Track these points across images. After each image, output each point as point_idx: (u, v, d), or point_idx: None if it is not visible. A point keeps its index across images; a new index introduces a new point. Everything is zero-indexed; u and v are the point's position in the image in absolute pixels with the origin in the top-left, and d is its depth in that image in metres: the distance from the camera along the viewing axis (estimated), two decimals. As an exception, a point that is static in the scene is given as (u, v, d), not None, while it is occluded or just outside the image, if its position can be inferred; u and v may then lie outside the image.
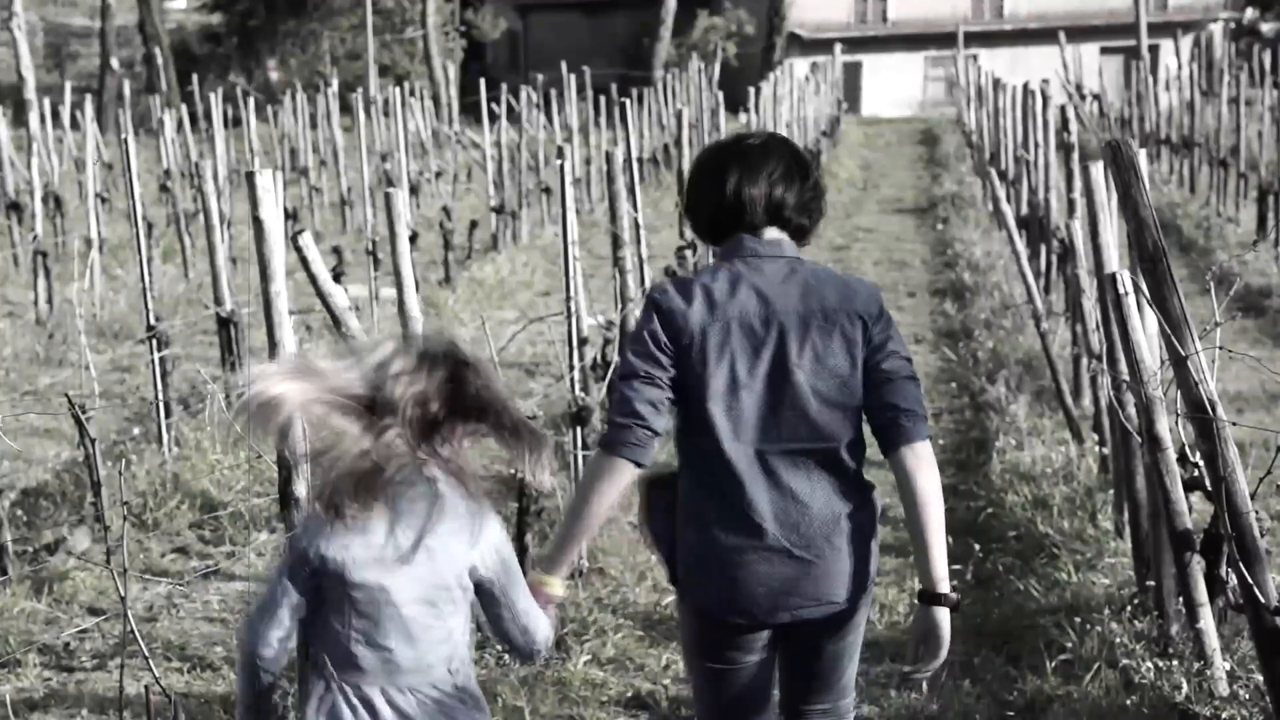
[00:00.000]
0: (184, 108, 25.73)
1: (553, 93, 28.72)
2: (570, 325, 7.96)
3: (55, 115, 25.55)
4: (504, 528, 3.26)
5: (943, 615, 3.47)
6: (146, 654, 4.66)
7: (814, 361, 3.37)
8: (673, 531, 3.59)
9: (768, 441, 3.41)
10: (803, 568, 3.45)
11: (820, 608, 3.50)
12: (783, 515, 3.43)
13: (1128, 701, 5.65)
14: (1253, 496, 4.67)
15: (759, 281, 3.38)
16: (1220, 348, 4.97)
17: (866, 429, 3.60)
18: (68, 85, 26.69)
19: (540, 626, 3.31)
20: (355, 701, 3.16)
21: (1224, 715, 5.36)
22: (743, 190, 3.43)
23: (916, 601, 3.58)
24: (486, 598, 3.23)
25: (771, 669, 3.67)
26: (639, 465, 3.41)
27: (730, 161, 3.47)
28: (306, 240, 5.09)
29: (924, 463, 3.49)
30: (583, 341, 8.14)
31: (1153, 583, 6.20)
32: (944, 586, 3.49)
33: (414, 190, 21.66)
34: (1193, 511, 5.70)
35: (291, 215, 19.78)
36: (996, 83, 22.80)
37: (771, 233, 3.47)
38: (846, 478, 3.52)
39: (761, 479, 3.41)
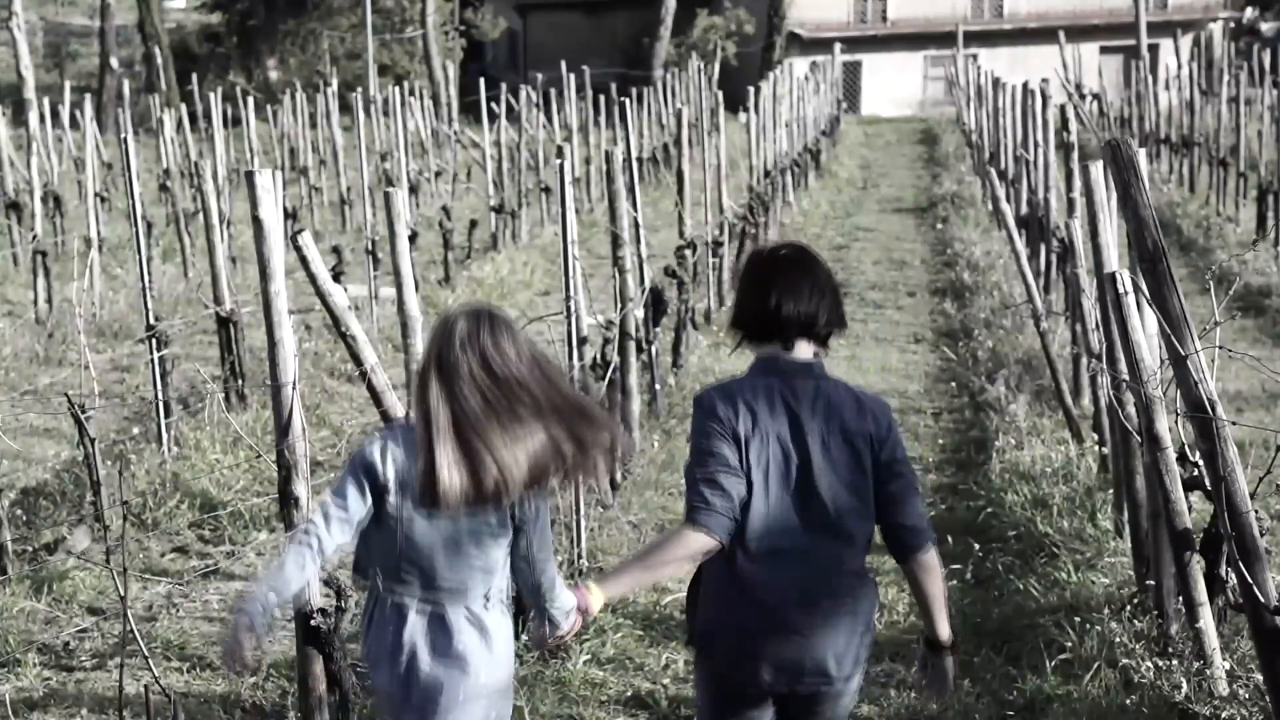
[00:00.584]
0: (183, 107, 25.73)
1: (552, 92, 28.72)
2: (570, 325, 7.96)
3: (55, 115, 25.55)
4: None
5: (948, 660, 4.10)
6: (146, 653, 4.67)
7: (832, 474, 3.87)
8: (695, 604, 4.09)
9: (789, 539, 3.87)
10: (804, 647, 3.92)
11: (816, 683, 3.96)
12: (794, 602, 3.89)
13: (1127, 701, 5.65)
14: (1252, 496, 4.67)
15: (791, 402, 3.88)
16: (1220, 347, 4.97)
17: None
18: (67, 85, 26.69)
19: (558, 590, 3.83)
20: (390, 609, 3.71)
21: (1224, 715, 5.36)
22: (783, 308, 3.88)
23: (924, 647, 4.16)
24: (517, 543, 3.72)
25: None
26: (722, 545, 3.84)
27: (770, 279, 3.91)
28: (306, 240, 5.09)
29: (930, 568, 4.03)
30: (582, 341, 8.14)
31: (1152, 582, 6.20)
32: (945, 633, 4.09)
33: (413, 190, 21.66)
34: (1192, 511, 5.71)
35: (291, 215, 19.78)
36: (996, 82, 22.81)
37: (803, 348, 3.94)
38: (853, 573, 3.99)
39: (779, 570, 3.87)
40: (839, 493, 3.87)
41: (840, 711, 4.06)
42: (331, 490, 3.69)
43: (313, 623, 4.91)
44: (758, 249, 4.11)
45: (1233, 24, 49.15)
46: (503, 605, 3.85)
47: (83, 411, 7.79)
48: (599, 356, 8.45)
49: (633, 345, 9.24)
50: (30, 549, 7.98)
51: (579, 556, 7.37)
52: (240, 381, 10.46)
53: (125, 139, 11.07)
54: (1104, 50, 47.03)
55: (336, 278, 11.85)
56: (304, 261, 5.09)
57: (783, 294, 3.88)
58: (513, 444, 3.60)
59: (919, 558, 3.97)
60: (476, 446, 3.58)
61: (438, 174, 25.97)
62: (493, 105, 22.59)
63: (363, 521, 3.72)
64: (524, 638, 5.80)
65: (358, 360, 5.40)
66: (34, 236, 15.60)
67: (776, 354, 3.93)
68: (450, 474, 3.56)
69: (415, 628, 3.74)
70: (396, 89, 23.62)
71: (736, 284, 4.12)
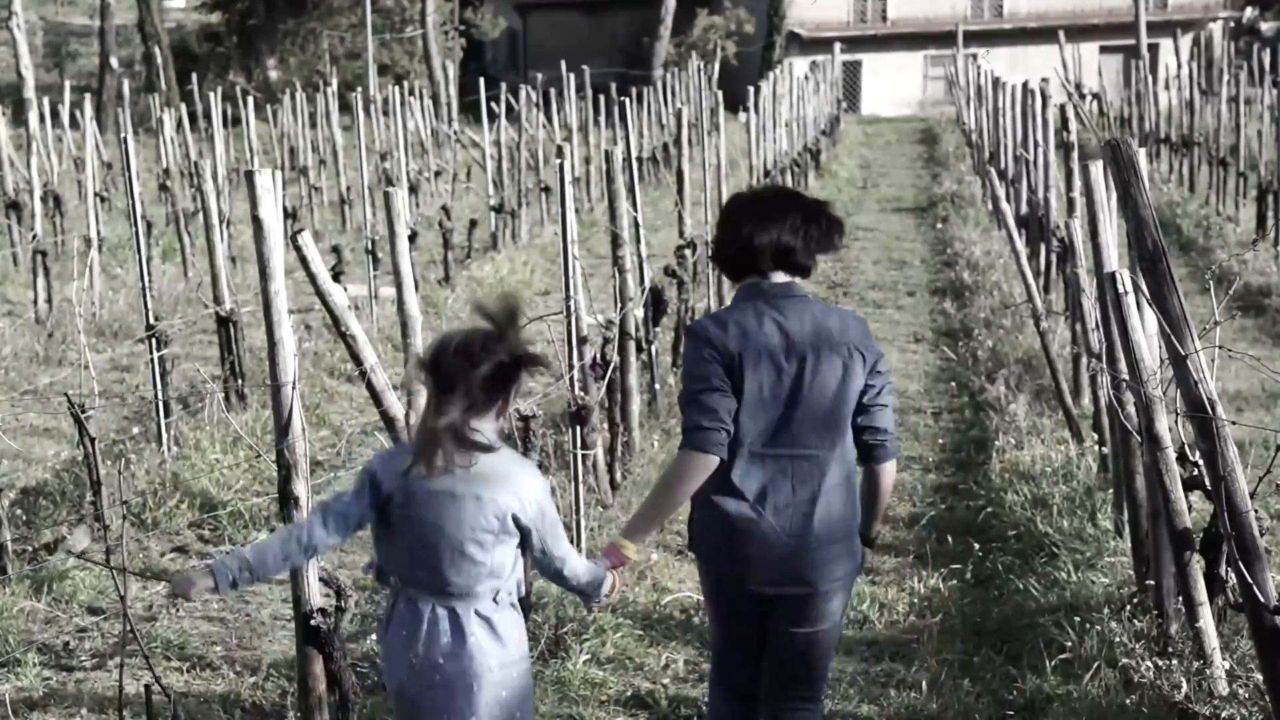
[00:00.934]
0: (183, 107, 25.74)
1: (552, 92, 28.72)
2: (570, 324, 7.96)
3: (55, 114, 25.55)
4: (547, 484, 3.93)
5: (865, 551, 4.49)
6: (146, 653, 4.67)
7: (820, 381, 4.13)
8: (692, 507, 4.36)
9: (780, 446, 4.15)
10: (788, 550, 4.19)
11: (801, 589, 4.25)
12: (782, 507, 4.17)
13: (1127, 701, 5.65)
14: (1252, 496, 4.67)
15: (778, 318, 4.14)
16: (1220, 347, 4.98)
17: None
18: (67, 84, 26.69)
19: (580, 572, 4.04)
20: (404, 608, 3.89)
21: (1223, 714, 5.36)
22: (754, 239, 4.16)
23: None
24: (528, 542, 3.90)
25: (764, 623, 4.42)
26: (721, 459, 4.11)
27: (745, 215, 4.20)
28: (306, 239, 5.09)
29: (888, 475, 4.38)
30: (582, 341, 8.14)
31: (1152, 582, 6.20)
32: (874, 534, 4.50)
33: (413, 189, 21.66)
34: (1192, 510, 5.71)
35: (291, 214, 19.78)
36: (996, 82, 22.80)
37: (779, 276, 4.21)
38: (837, 478, 4.24)
39: (769, 474, 4.15)
40: (826, 399, 4.15)
41: (825, 621, 4.32)
42: (339, 490, 3.93)
43: (313, 623, 4.91)
44: (738, 192, 4.48)
45: (1232, 24, 49.16)
46: (513, 603, 3.97)
47: (83, 411, 7.79)
48: (599, 356, 8.45)
49: (633, 345, 9.24)
50: (30, 549, 7.98)
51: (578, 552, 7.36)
52: (240, 381, 10.47)
53: (125, 139, 11.07)
54: (1104, 50, 47.04)
55: (336, 277, 11.86)
56: (304, 261, 5.09)
57: (755, 228, 4.16)
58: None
59: (884, 465, 4.31)
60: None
61: (437, 174, 25.98)
62: (493, 105, 22.59)
63: (360, 523, 3.92)
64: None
65: (358, 360, 5.41)
66: (34, 236, 15.61)
67: (757, 281, 4.21)
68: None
69: (429, 627, 3.89)
70: (396, 89, 23.63)
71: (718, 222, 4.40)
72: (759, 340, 4.10)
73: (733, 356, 4.09)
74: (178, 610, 7.36)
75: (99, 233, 15.52)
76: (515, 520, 3.86)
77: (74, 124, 26.30)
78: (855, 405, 4.19)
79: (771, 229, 4.15)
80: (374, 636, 6.82)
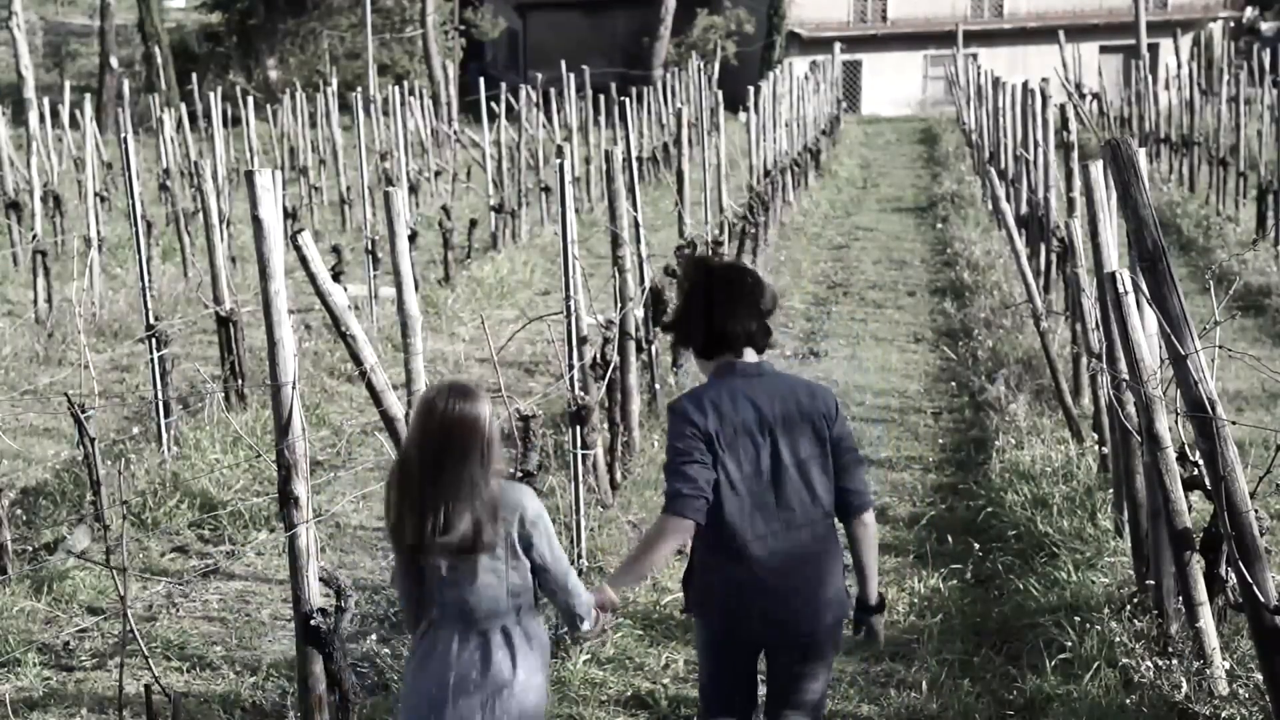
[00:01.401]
0: (183, 107, 25.73)
1: (552, 92, 28.72)
2: (570, 324, 7.96)
3: (54, 114, 25.54)
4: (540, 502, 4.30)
5: (878, 620, 4.74)
6: (146, 653, 4.66)
7: (795, 452, 4.49)
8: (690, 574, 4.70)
9: (767, 513, 4.48)
10: (785, 606, 4.51)
11: (798, 637, 4.57)
12: (773, 564, 4.48)
13: (1127, 700, 5.65)
14: (1252, 495, 4.67)
15: (752, 395, 4.49)
16: (1220, 347, 4.98)
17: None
18: (67, 84, 26.69)
19: (580, 588, 4.36)
20: (438, 637, 4.25)
21: (1223, 714, 5.36)
22: (727, 328, 4.54)
23: (857, 611, 4.72)
24: (532, 555, 4.23)
25: (756, 676, 4.76)
26: (698, 525, 4.46)
27: (713, 304, 4.55)
28: (305, 239, 5.09)
29: (868, 527, 4.62)
30: (582, 340, 8.14)
31: (1152, 582, 6.20)
32: (874, 599, 4.69)
33: (413, 189, 21.65)
34: (1192, 510, 5.71)
35: (291, 214, 19.78)
36: (996, 81, 22.80)
37: (750, 354, 4.59)
38: (821, 537, 4.55)
39: (761, 538, 4.48)
40: (804, 465, 4.50)
41: (820, 664, 4.64)
42: (394, 569, 4.42)
43: (313, 623, 4.91)
44: (695, 263, 4.81)
45: (1232, 23, 49.15)
46: (534, 616, 4.35)
47: (83, 411, 7.79)
48: (599, 356, 8.46)
49: (632, 345, 9.25)
50: (30, 549, 7.98)
51: (579, 556, 7.37)
52: (240, 381, 10.47)
53: (125, 139, 11.07)
54: (1104, 50, 47.03)
55: (336, 277, 11.86)
56: (304, 261, 5.09)
57: (726, 317, 4.55)
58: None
59: (862, 518, 4.58)
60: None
61: (437, 174, 25.97)
62: (492, 105, 22.59)
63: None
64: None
65: (357, 360, 5.41)
66: (34, 236, 15.60)
67: (731, 361, 4.58)
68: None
69: (463, 653, 4.24)
70: (396, 89, 23.61)
71: (678, 299, 4.75)
72: (734, 419, 4.47)
73: (711, 435, 4.44)
74: (177, 610, 7.36)
75: (99, 233, 15.52)
76: (521, 535, 4.23)
77: (74, 124, 26.29)
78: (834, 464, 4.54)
79: (741, 318, 4.55)
80: (373, 637, 6.83)
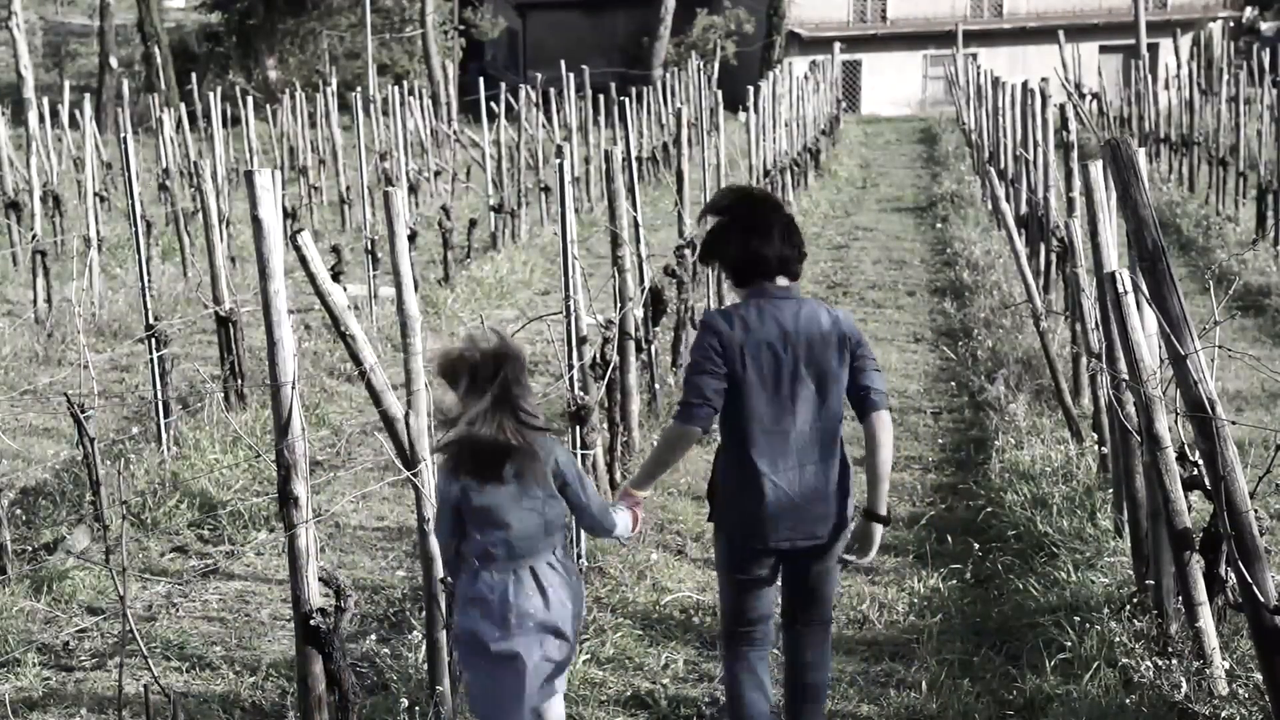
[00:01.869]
0: (183, 107, 25.71)
1: (552, 91, 28.71)
2: (569, 324, 7.96)
3: (54, 114, 25.54)
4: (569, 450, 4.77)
5: (877, 528, 5.02)
6: (145, 653, 4.66)
7: (815, 368, 4.86)
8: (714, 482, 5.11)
9: (782, 424, 4.86)
10: (798, 512, 4.92)
11: (809, 541, 4.98)
12: (788, 474, 4.89)
13: (1127, 700, 5.65)
14: (1252, 495, 4.68)
15: (778, 315, 4.89)
16: (1219, 347, 4.98)
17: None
18: (66, 84, 26.69)
19: (615, 518, 4.82)
20: (484, 575, 4.60)
21: (1223, 714, 5.36)
22: (760, 250, 4.88)
23: (862, 517, 5.03)
24: (568, 494, 4.65)
25: (774, 585, 5.15)
26: (705, 432, 4.91)
27: (746, 227, 4.89)
28: (305, 239, 5.09)
29: (884, 424, 4.93)
30: (582, 340, 8.14)
31: (1152, 582, 6.20)
32: (883, 510, 4.98)
33: (413, 189, 21.65)
34: (1192, 510, 5.70)
35: (290, 214, 19.77)
36: (996, 81, 22.80)
37: (782, 280, 4.95)
38: (833, 451, 4.96)
39: (777, 449, 4.88)
40: (821, 380, 4.88)
41: (830, 561, 5.08)
42: (436, 514, 4.73)
43: (312, 623, 4.91)
44: (731, 190, 5.11)
45: (1232, 23, 49.14)
46: (567, 553, 4.74)
47: (82, 411, 7.80)
48: (598, 356, 8.45)
49: (632, 345, 9.24)
50: (30, 549, 7.97)
51: (579, 556, 7.37)
52: (240, 381, 10.47)
53: (125, 138, 11.06)
54: (1103, 49, 47.03)
55: (336, 277, 11.85)
56: (303, 261, 5.09)
57: (760, 241, 4.88)
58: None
59: (879, 413, 4.91)
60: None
61: (437, 173, 25.97)
62: (492, 105, 22.58)
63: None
64: None
65: (357, 360, 5.40)
66: (33, 236, 15.60)
67: (764, 285, 4.95)
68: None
69: (510, 586, 4.60)
70: (396, 88, 23.61)
71: (713, 225, 5.04)
72: (760, 334, 4.85)
73: (736, 347, 4.83)
74: (177, 610, 7.36)
75: (98, 233, 15.51)
76: (556, 474, 4.62)
77: (74, 124, 26.29)
78: (848, 376, 4.91)
79: (774, 242, 4.89)
80: (373, 637, 6.83)
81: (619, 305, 9.14)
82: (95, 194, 15.76)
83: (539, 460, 4.56)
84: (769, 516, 4.93)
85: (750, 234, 4.91)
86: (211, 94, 22.30)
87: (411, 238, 13.82)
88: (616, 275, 9.24)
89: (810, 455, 4.90)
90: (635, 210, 9.87)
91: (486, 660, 4.66)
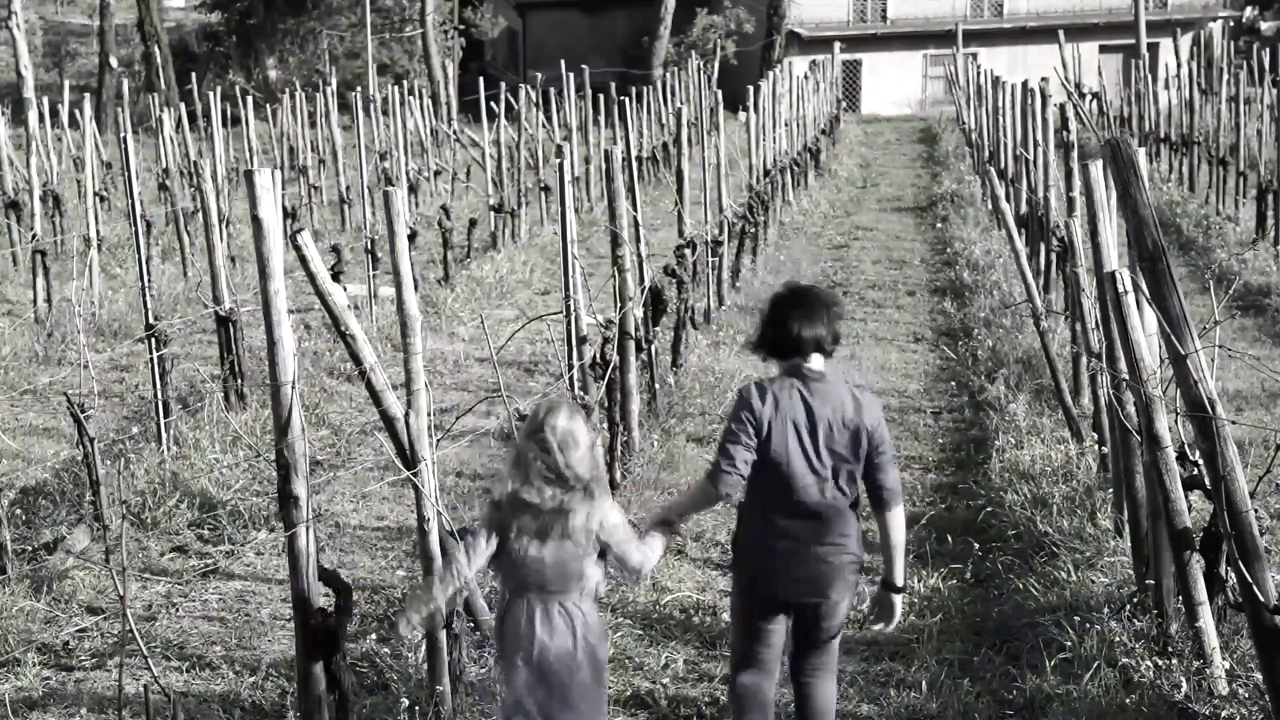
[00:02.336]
0: (183, 106, 25.71)
1: (552, 91, 28.71)
2: (569, 324, 7.96)
3: (54, 114, 25.54)
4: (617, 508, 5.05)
5: (896, 598, 5.43)
6: (145, 653, 4.66)
7: (833, 451, 5.25)
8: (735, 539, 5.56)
9: (800, 495, 5.25)
10: (812, 571, 5.30)
11: (818, 599, 5.35)
12: (805, 538, 5.28)
13: (1127, 700, 5.65)
14: (1252, 495, 4.68)
15: (807, 397, 5.27)
16: (1220, 346, 4.98)
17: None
18: (66, 84, 26.69)
19: (639, 564, 5.11)
20: (520, 603, 4.96)
21: (1223, 714, 5.36)
22: (802, 333, 5.29)
23: (881, 588, 5.45)
24: (609, 555, 5.01)
25: (783, 634, 5.50)
26: (729, 497, 5.32)
27: (793, 311, 5.33)
28: (305, 239, 5.09)
29: (897, 521, 5.35)
30: (582, 340, 8.14)
31: (1152, 581, 6.20)
32: (899, 581, 5.42)
33: (413, 189, 21.65)
34: (1192, 510, 5.70)
35: (290, 214, 19.77)
36: (996, 81, 22.79)
37: (816, 360, 5.33)
38: (846, 524, 5.32)
39: (795, 517, 5.27)
40: (837, 464, 5.25)
41: (836, 621, 5.42)
42: (471, 533, 5.01)
43: (312, 623, 4.91)
44: (778, 292, 5.56)
45: (1232, 23, 49.14)
46: (593, 598, 5.06)
47: (82, 411, 7.79)
48: (598, 356, 8.45)
49: (632, 344, 9.24)
50: (30, 548, 7.97)
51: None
52: (240, 381, 10.47)
53: (124, 138, 11.07)
54: (1103, 49, 47.02)
55: (336, 277, 11.85)
56: (303, 261, 5.09)
57: (802, 325, 5.29)
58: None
59: (893, 511, 5.33)
60: None
61: (437, 173, 25.97)
62: (492, 104, 22.58)
63: (489, 554, 4.97)
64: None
65: (357, 359, 5.40)
66: (33, 236, 15.60)
67: (798, 364, 5.31)
68: None
69: (537, 618, 4.95)
70: (396, 88, 23.61)
71: (763, 315, 5.49)
72: (788, 413, 5.25)
73: (763, 421, 5.24)
74: (177, 610, 7.36)
75: (98, 232, 15.52)
76: (596, 538, 4.93)
77: (74, 124, 26.29)
78: (864, 468, 5.27)
79: (814, 325, 5.30)
80: (373, 637, 6.83)
81: (619, 305, 9.14)
82: (95, 194, 15.76)
83: (580, 520, 4.91)
84: (783, 573, 5.32)
85: (791, 319, 5.34)
86: (211, 94, 22.31)
87: (411, 237, 13.82)
88: (616, 275, 9.24)
89: (824, 524, 5.28)
90: (635, 210, 9.87)
91: (517, 677, 5.01)
